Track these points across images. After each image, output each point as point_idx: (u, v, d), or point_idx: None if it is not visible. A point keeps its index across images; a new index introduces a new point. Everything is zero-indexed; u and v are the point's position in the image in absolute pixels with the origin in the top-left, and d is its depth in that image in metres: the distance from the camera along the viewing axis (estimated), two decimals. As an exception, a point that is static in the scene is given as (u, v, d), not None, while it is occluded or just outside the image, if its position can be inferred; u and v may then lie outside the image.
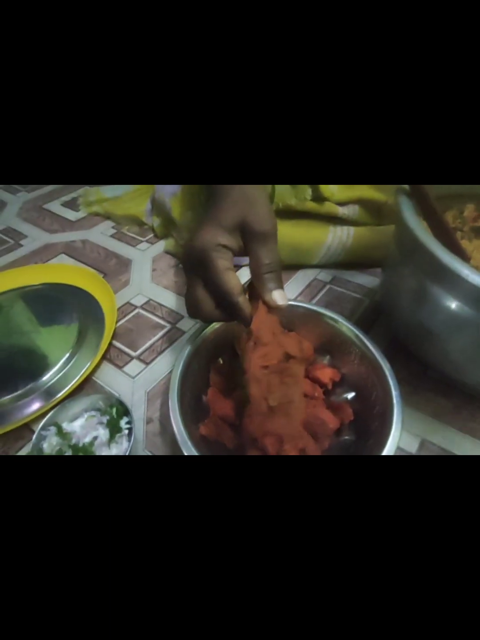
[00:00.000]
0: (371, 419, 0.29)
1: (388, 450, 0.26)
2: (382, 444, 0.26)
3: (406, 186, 0.31)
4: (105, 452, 0.31)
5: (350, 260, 0.50)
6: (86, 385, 0.39)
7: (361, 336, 0.33)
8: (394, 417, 0.27)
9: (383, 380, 0.30)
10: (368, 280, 0.50)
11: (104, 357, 0.41)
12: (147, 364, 0.41)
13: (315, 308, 0.36)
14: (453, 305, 0.28)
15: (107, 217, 0.64)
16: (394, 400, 0.28)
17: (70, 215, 0.66)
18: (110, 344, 0.43)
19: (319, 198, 0.47)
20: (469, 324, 0.27)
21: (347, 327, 0.34)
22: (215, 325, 0.36)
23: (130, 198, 0.67)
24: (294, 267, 0.51)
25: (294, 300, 0.46)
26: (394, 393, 0.28)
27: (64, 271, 0.52)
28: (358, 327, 0.33)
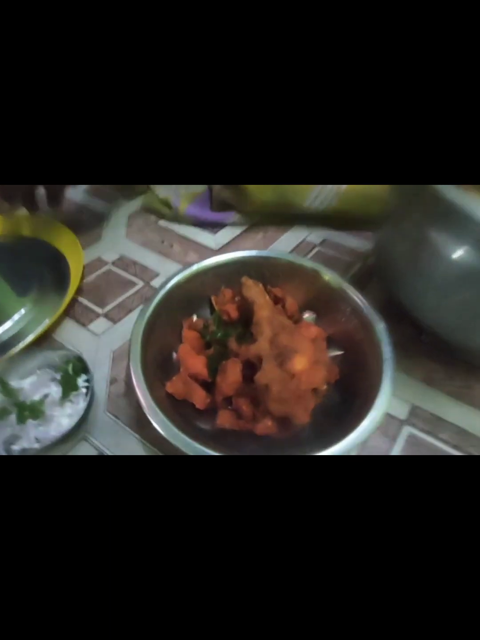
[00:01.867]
0: (359, 379, 0.26)
1: (375, 413, 0.23)
2: (369, 407, 0.23)
3: None
4: (57, 412, 0.27)
5: (343, 210, 0.45)
6: (45, 343, 0.35)
7: (351, 291, 0.29)
8: (384, 377, 0.24)
9: (374, 337, 0.26)
10: (360, 243, 0.46)
11: (67, 314, 0.37)
12: (115, 322, 0.37)
13: (300, 261, 0.32)
14: (458, 252, 0.24)
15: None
16: (384, 357, 0.25)
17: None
18: (75, 301, 0.39)
19: None
20: (475, 273, 0.24)
21: (336, 281, 0.30)
22: (189, 277, 0.32)
23: None
24: (281, 215, 0.46)
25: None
26: (386, 349, 0.25)
27: (29, 223, 0.47)
28: (348, 281, 0.30)
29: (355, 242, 0.46)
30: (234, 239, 0.46)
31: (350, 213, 0.46)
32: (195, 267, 0.32)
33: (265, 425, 0.24)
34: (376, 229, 0.40)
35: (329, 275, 0.30)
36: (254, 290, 0.28)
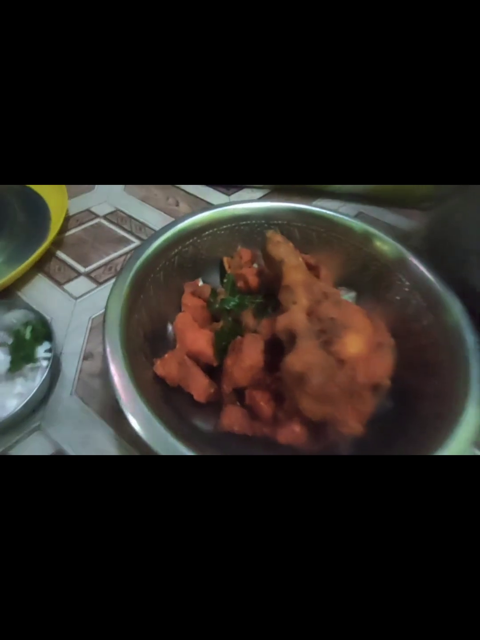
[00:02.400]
0: (423, 379, 0.19)
1: (464, 431, 0.15)
2: (451, 421, 0.16)
3: None
4: (1, 387, 0.20)
5: (383, 192, 0.39)
6: (5, 299, 0.27)
7: (414, 262, 0.22)
8: (471, 377, 0.17)
9: (447, 323, 0.19)
10: (400, 220, 0.39)
11: (40, 269, 0.30)
12: (99, 284, 0.29)
13: (346, 220, 0.24)
14: None
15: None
16: (468, 348, 0.17)
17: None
18: (52, 255, 0.31)
19: None
20: None
21: (393, 250, 0.23)
22: (195, 228, 0.24)
23: None
24: (311, 191, 0.39)
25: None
26: (469, 338, 0.18)
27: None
28: (408, 246, 0.23)
29: (394, 218, 0.39)
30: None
31: (393, 192, 0.39)
32: (202, 216, 0.24)
33: (292, 432, 0.17)
34: (426, 206, 0.33)
35: (384, 241, 0.23)
36: (283, 248, 0.21)
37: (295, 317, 0.17)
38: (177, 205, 0.38)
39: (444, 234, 0.26)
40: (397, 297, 0.23)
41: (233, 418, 0.19)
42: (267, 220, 0.25)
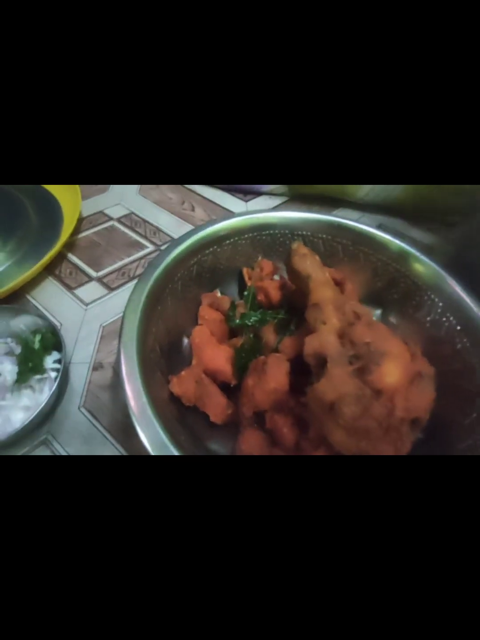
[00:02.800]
0: (455, 412, 0.18)
1: None
2: None
3: None
4: (8, 400, 0.18)
5: (406, 203, 0.38)
6: (14, 302, 0.26)
7: (449, 282, 0.21)
8: None
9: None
10: (423, 236, 0.38)
11: (50, 272, 0.29)
12: (112, 289, 0.28)
13: (378, 234, 0.23)
14: None
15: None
16: None
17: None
18: (64, 257, 0.30)
19: None
20: None
21: (427, 268, 0.21)
22: (214, 238, 0.23)
23: None
24: (332, 200, 0.38)
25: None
26: None
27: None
28: (440, 263, 0.21)
29: (417, 233, 0.38)
30: (269, 211, 0.38)
31: (416, 203, 0.38)
32: (223, 225, 0.23)
33: (317, 463, 0.15)
34: (452, 220, 0.32)
35: (418, 259, 0.22)
36: (309, 261, 0.19)
37: (325, 339, 0.16)
38: (193, 210, 0.37)
39: (476, 253, 0.24)
40: (428, 318, 0.21)
41: (252, 443, 0.18)
42: (291, 230, 0.24)
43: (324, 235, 0.24)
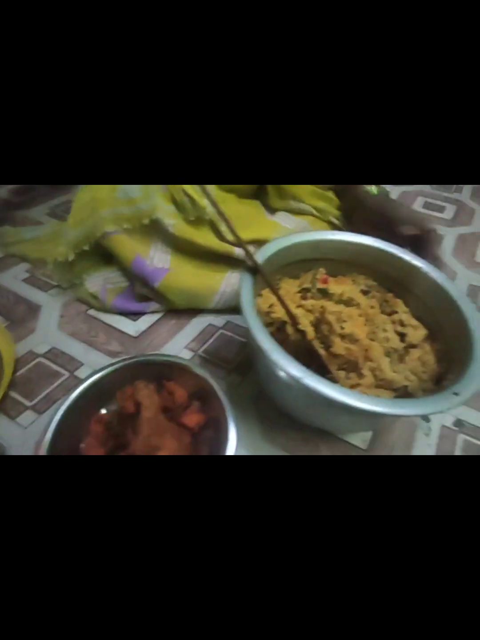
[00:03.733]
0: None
1: None
2: None
3: (251, 262, 0.38)
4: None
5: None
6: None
7: (217, 389, 0.39)
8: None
9: (226, 426, 0.36)
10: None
11: (-2, 409, 0.44)
12: (41, 413, 0.44)
13: (185, 362, 0.41)
14: (280, 373, 0.34)
15: (23, 258, 0.66)
16: (229, 426, 0.35)
17: (-16, 257, 0.67)
18: (6, 395, 0.45)
19: (217, 232, 0.53)
20: (294, 390, 0.34)
21: (208, 380, 0.40)
22: (103, 375, 0.40)
23: (49, 239, 0.69)
24: (192, 311, 0.57)
25: (186, 346, 0.52)
26: (231, 427, 0.35)
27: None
28: (215, 379, 0.40)
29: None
30: (151, 325, 0.56)
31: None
32: (107, 369, 0.40)
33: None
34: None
35: (205, 377, 0.40)
36: (142, 393, 0.37)
37: (136, 446, 0.33)
38: (97, 336, 0.54)
39: (249, 358, 0.43)
40: (217, 406, 0.39)
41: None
42: (145, 364, 0.42)
43: (162, 364, 0.42)
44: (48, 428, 0.35)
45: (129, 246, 0.53)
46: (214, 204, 0.36)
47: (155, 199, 0.51)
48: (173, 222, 0.51)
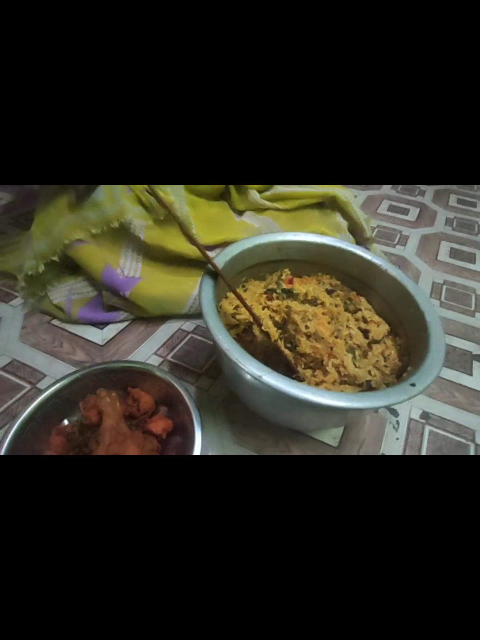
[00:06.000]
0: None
1: None
2: None
3: (211, 266, 0.38)
4: None
5: None
6: None
7: (184, 392, 0.38)
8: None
9: (192, 430, 0.35)
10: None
11: (-47, 426, 0.41)
12: (1, 428, 0.42)
13: (152, 369, 0.41)
14: (245, 375, 0.34)
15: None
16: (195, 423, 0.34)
17: None
18: (-38, 411, 0.43)
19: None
20: (259, 389, 0.34)
21: (174, 386, 0.39)
22: (70, 380, 0.38)
23: (12, 250, 0.67)
24: (162, 317, 0.56)
25: (155, 352, 0.51)
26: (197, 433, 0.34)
27: None
28: (181, 383, 0.39)
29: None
30: (119, 333, 0.54)
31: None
32: (68, 379, 0.39)
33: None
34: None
35: (170, 381, 0.39)
36: (104, 401, 0.36)
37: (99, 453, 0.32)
38: (61, 345, 0.52)
39: (218, 362, 0.43)
40: (182, 410, 0.39)
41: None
42: (107, 372, 0.41)
43: (128, 371, 0.41)
44: (2, 443, 0.33)
45: (97, 256, 0.51)
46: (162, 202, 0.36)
47: (121, 201, 0.50)
48: (144, 222, 0.51)
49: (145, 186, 0.50)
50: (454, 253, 0.80)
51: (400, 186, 1.06)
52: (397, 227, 0.87)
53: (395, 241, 0.82)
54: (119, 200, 0.50)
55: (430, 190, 1.06)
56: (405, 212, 0.95)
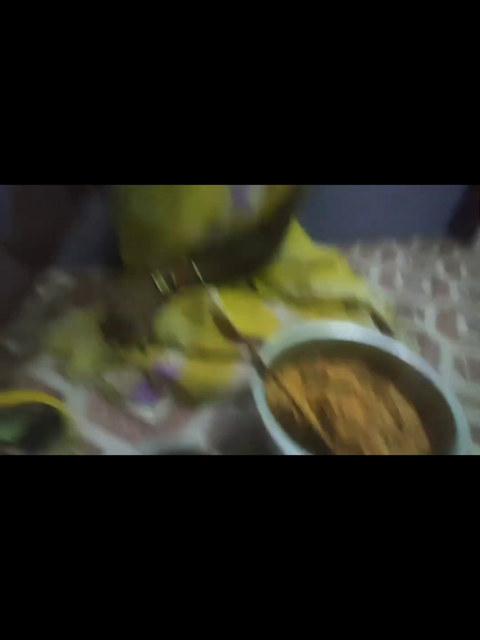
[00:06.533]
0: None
1: None
2: None
3: (259, 365, 0.45)
4: None
5: None
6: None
7: None
8: None
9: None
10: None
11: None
12: None
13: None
14: None
15: (51, 350, 0.70)
16: None
17: None
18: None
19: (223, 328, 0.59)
20: None
21: None
22: None
23: (73, 333, 0.72)
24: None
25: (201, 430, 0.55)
26: None
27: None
28: None
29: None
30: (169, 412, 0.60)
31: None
32: None
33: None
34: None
35: None
36: None
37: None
38: (118, 423, 0.58)
39: None
40: None
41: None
42: None
43: None
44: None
45: (147, 358, 0.59)
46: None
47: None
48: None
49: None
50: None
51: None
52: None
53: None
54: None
55: (440, 262, 1.13)
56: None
